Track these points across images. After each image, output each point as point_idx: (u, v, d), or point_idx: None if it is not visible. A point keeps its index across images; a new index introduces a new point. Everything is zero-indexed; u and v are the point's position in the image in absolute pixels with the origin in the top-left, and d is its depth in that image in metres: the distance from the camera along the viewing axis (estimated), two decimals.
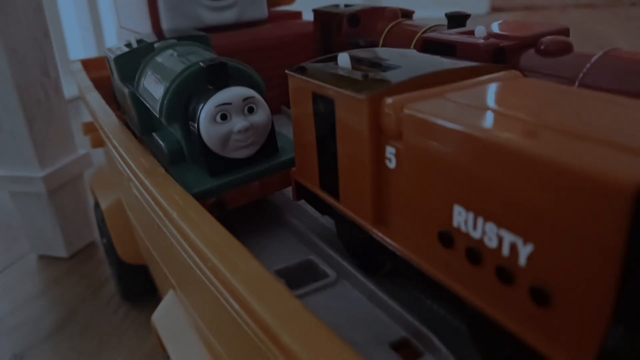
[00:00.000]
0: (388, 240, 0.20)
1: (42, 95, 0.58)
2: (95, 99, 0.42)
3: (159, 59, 0.33)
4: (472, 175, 0.15)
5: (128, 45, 0.36)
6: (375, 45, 0.43)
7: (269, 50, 0.49)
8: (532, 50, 0.29)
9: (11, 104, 0.56)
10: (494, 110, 0.16)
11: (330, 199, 0.24)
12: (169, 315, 0.30)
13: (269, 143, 0.29)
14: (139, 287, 0.52)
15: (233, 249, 0.19)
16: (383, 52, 0.25)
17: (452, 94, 0.18)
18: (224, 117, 0.26)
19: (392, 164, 0.19)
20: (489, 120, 0.15)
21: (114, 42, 0.48)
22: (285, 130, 0.32)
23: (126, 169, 0.30)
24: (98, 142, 0.51)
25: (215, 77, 0.27)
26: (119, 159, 0.31)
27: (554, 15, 2.11)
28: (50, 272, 0.60)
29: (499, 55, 0.29)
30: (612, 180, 0.11)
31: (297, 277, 0.25)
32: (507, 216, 0.14)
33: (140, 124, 0.34)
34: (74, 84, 0.50)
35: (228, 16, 0.49)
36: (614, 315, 0.12)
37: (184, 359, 0.26)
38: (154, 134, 0.31)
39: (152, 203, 0.25)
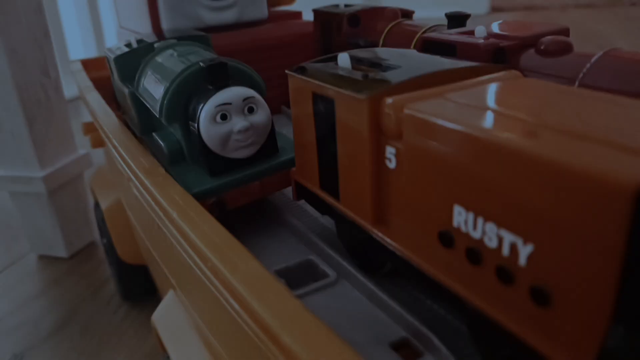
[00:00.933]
0: (388, 240, 0.20)
1: (42, 95, 0.58)
2: (95, 99, 0.42)
3: (159, 59, 0.33)
4: (472, 175, 0.15)
5: (128, 45, 0.36)
6: (375, 45, 0.43)
7: (269, 50, 0.49)
8: (532, 50, 0.29)
9: (11, 104, 0.56)
10: (494, 110, 0.16)
11: (330, 199, 0.24)
12: (169, 315, 0.30)
13: (269, 143, 0.29)
14: (139, 287, 0.52)
15: (233, 249, 0.19)
16: (383, 52, 0.25)
17: (452, 94, 0.18)
18: (224, 117, 0.26)
19: (392, 164, 0.19)
20: (489, 120, 0.15)
21: (114, 42, 0.48)
22: (285, 130, 0.32)
23: (126, 169, 0.30)
24: (98, 142, 0.51)
25: (215, 77, 0.27)
26: (119, 159, 0.31)
27: (554, 15, 2.11)
28: (50, 272, 0.60)
29: (499, 55, 0.29)
30: (612, 180, 0.11)
31: (297, 277, 0.25)
32: (507, 216, 0.14)
33: (140, 124, 0.34)
34: (74, 84, 0.50)
35: (228, 16, 0.49)
36: (614, 315, 0.12)
37: (184, 359, 0.26)
38: (154, 134, 0.31)
39: (152, 203, 0.25)
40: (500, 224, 0.15)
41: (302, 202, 0.28)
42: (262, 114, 0.28)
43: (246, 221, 0.31)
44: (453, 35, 0.32)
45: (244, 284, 0.17)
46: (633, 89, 0.24)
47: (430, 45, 0.33)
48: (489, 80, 0.20)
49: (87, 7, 1.46)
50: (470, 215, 0.16)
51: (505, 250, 0.15)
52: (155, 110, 0.28)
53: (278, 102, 0.49)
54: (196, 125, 0.27)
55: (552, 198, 0.13)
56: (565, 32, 0.30)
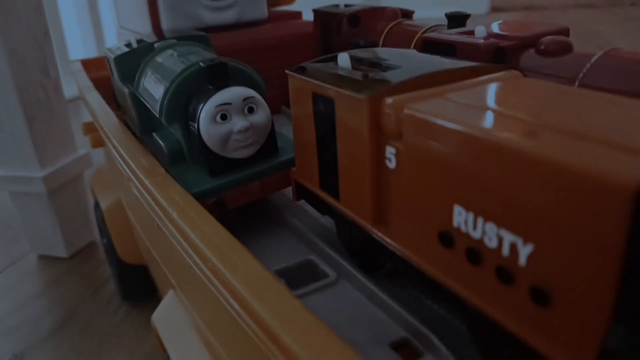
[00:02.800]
0: (388, 240, 0.20)
1: (42, 95, 0.58)
2: (95, 99, 0.42)
3: (159, 59, 0.33)
4: (472, 175, 0.15)
5: (128, 45, 0.36)
6: (375, 45, 0.43)
7: (269, 50, 0.49)
8: (532, 50, 0.29)
9: (11, 104, 0.56)
10: (494, 110, 0.16)
11: (330, 199, 0.24)
12: (169, 315, 0.30)
13: (269, 143, 0.29)
14: (139, 287, 0.52)
15: (233, 249, 0.19)
16: (383, 52, 0.25)
17: (452, 94, 0.18)
18: (224, 117, 0.26)
19: (392, 164, 0.19)
20: (489, 120, 0.15)
21: (114, 42, 0.48)
22: (285, 130, 0.32)
23: (126, 169, 0.30)
24: (98, 142, 0.51)
25: (215, 77, 0.27)
26: (119, 159, 0.31)
27: (554, 15, 2.11)
28: (50, 272, 0.60)
29: (499, 55, 0.29)
30: (612, 180, 0.11)
31: (297, 277, 0.25)
32: (507, 216, 0.14)
33: (140, 124, 0.34)
34: (74, 84, 0.50)
35: (228, 16, 0.49)
36: (614, 315, 0.12)
37: (184, 359, 0.26)
38: (154, 134, 0.31)
39: (152, 203, 0.25)
40: (500, 224, 0.15)
41: (302, 202, 0.28)
42: (262, 114, 0.28)
43: (246, 221, 0.31)
44: (453, 35, 0.32)
45: (244, 284, 0.17)
46: (633, 89, 0.24)
47: (430, 45, 0.33)
48: (489, 80, 0.20)
49: (87, 7, 1.46)
50: (470, 215, 0.16)
51: (505, 250, 0.15)
52: (155, 110, 0.28)
53: (278, 102, 0.49)
54: (196, 125, 0.27)
55: (552, 198, 0.13)
56: (565, 32, 0.30)
